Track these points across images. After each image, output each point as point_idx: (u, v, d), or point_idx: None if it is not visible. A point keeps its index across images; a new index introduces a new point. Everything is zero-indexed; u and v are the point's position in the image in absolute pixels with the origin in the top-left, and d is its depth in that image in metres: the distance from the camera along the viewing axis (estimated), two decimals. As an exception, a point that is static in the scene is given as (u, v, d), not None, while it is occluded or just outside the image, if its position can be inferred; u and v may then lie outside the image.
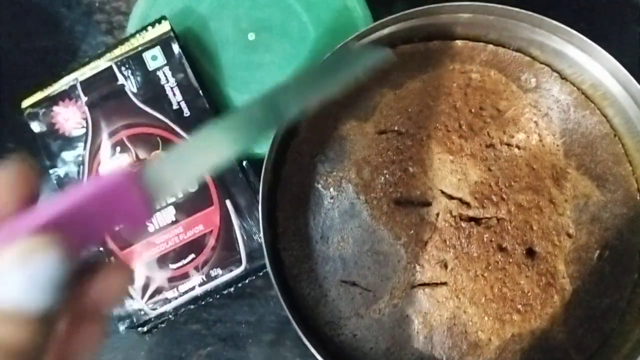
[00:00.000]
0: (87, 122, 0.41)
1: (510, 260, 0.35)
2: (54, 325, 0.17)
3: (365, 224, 0.36)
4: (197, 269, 0.40)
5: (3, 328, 0.15)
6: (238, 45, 0.44)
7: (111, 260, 0.38)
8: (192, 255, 0.40)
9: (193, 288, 0.40)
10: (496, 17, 0.38)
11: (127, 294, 0.25)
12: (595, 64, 0.38)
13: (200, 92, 0.42)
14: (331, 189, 0.37)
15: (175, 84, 0.41)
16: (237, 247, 0.40)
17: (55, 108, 0.41)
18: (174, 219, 0.40)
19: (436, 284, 0.35)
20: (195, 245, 0.40)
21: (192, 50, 0.43)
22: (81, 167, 0.41)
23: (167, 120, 0.41)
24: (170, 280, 0.40)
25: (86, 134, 0.41)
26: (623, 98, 0.37)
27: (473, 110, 0.38)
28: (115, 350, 0.40)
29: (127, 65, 0.41)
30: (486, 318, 0.35)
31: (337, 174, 0.37)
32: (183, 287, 0.40)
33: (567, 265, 0.36)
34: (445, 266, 0.35)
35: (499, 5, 0.37)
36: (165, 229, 0.40)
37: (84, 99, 0.41)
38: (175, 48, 0.41)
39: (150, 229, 0.40)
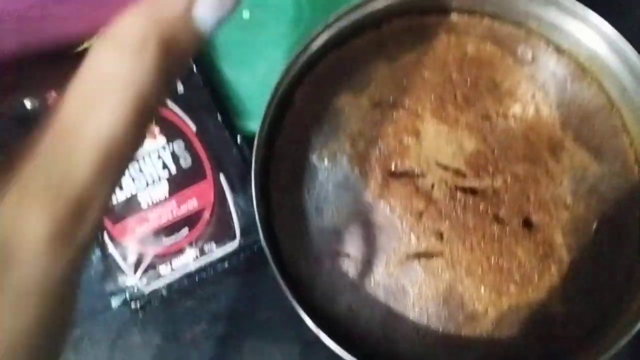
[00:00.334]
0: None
1: (507, 230, 0.35)
2: None
3: (359, 195, 0.35)
4: (191, 244, 0.39)
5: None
6: (233, 23, 0.44)
7: None
8: (186, 231, 0.39)
9: (187, 264, 0.39)
10: (491, -11, 0.38)
11: None
12: (592, 35, 0.37)
13: (195, 69, 0.41)
14: (325, 162, 0.36)
15: (169, 59, 0.41)
16: (232, 222, 0.40)
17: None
18: (167, 194, 0.39)
19: (432, 255, 0.35)
20: (188, 221, 0.40)
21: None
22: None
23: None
24: (164, 255, 0.39)
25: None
26: (620, 70, 0.37)
27: (469, 82, 0.37)
28: (108, 327, 0.40)
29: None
30: (482, 289, 0.34)
31: (331, 147, 0.37)
32: (177, 263, 0.39)
33: (565, 236, 0.35)
34: (441, 237, 0.35)
35: (494, -24, 0.37)
36: (158, 204, 0.39)
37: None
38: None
39: (143, 203, 0.39)
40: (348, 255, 0.35)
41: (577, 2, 0.36)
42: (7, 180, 0.13)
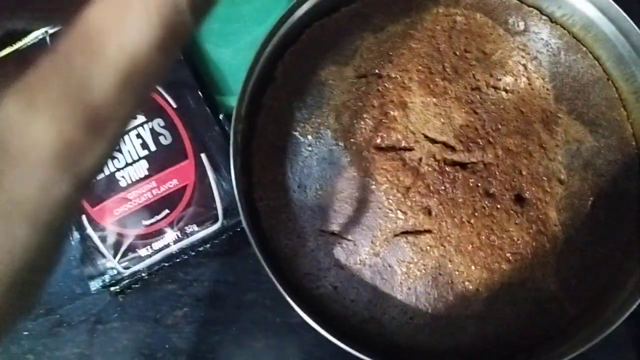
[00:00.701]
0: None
1: (498, 206, 0.33)
2: None
3: (344, 170, 0.34)
4: (171, 225, 0.38)
5: None
6: (215, -2, 0.42)
7: None
8: (166, 211, 0.38)
9: (167, 245, 0.38)
10: (481, -44, 0.36)
11: None
12: (586, 4, 0.36)
13: (176, 45, 0.40)
14: (309, 136, 0.35)
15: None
16: (214, 203, 0.38)
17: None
18: (147, 173, 0.38)
19: (420, 232, 0.33)
20: (169, 201, 0.38)
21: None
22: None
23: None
24: (144, 237, 0.38)
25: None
26: (615, 37, 0.36)
27: (457, 53, 0.36)
28: (87, 312, 0.39)
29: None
30: (473, 267, 0.33)
31: (315, 120, 0.35)
32: (157, 245, 0.38)
33: (559, 212, 0.34)
34: (429, 213, 0.33)
35: (484, -58, 0.35)
36: (137, 183, 0.38)
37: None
38: None
39: (122, 183, 0.38)
40: (332, 233, 0.34)
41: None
42: (21, 72, 0.12)
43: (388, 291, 0.33)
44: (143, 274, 0.38)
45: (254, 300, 0.39)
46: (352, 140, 0.34)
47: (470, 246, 0.33)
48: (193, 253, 0.38)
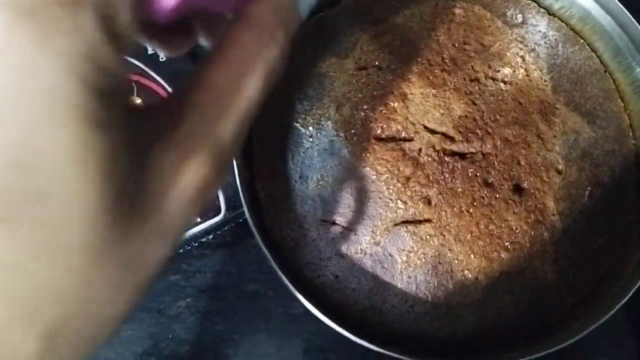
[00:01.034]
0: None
1: (497, 196, 0.34)
2: None
3: (345, 161, 0.34)
4: (174, 216, 0.38)
5: None
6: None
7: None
8: (169, 203, 0.38)
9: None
10: (480, -51, 0.37)
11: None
12: (583, -4, 0.36)
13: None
14: (310, 128, 0.35)
15: (150, 27, 0.40)
16: (216, 195, 0.39)
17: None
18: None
19: (420, 221, 0.34)
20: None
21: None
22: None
23: (142, 66, 0.40)
24: (147, 228, 0.38)
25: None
26: (613, 30, 0.36)
27: (456, 44, 0.36)
28: (91, 303, 0.39)
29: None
30: (472, 256, 0.33)
31: (316, 112, 0.35)
32: (160, 236, 0.38)
33: (557, 202, 0.34)
34: (429, 202, 0.34)
35: None
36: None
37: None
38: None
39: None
40: (334, 223, 0.34)
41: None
42: (166, 134, 0.15)
43: (389, 280, 0.34)
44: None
45: (256, 291, 0.39)
46: (352, 131, 0.35)
47: (470, 235, 0.33)
48: (196, 244, 0.39)
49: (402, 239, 0.33)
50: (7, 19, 0.11)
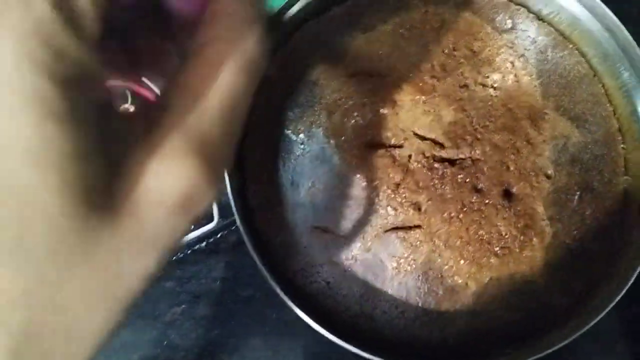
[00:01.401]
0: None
1: (486, 201, 0.34)
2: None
3: (336, 168, 0.35)
4: (168, 223, 0.39)
5: None
6: None
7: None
8: (163, 210, 0.39)
9: (164, 243, 0.39)
10: (468, -44, 0.37)
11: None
12: (572, 2, 0.37)
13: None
14: (301, 135, 0.36)
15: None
16: (209, 201, 0.39)
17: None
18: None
19: (410, 228, 0.34)
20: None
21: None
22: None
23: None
24: (141, 236, 0.39)
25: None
26: (601, 35, 0.36)
27: (446, 51, 0.36)
28: (87, 310, 0.39)
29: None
30: (462, 262, 0.34)
31: (307, 119, 0.36)
32: (154, 243, 0.39)
33: (546, 207, 0.35)
34: (419, 209, 0.34)
35: (471, -58, 0.36)
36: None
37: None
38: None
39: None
40: (325, 230, 0.35)
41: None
42: (148, 130, 0.14)
43: (379, 286, 0.34)
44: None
45: (251, 296, 0.40)
46: (343, 138, 0.35)
47: (459, 241, 0.34)
48: (189, 251, 0.39)
49: (393, 245, 0.34)
50: None
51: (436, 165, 0.34)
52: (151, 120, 0.14)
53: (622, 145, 0.37)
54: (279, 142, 0.36)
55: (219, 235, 0.39)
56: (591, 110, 0.37)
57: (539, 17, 0.38)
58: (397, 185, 0.34)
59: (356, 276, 0.34)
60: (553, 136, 0.36)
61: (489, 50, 0.37)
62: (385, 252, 0.34)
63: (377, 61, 0.36)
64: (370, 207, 0.34)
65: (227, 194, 0.38)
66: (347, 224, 0.34)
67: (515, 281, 0.34)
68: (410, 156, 0.34)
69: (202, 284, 0.40)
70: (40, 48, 0.11)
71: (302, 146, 0.35)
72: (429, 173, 0.34)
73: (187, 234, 0.15)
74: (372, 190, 0.34)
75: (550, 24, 0.38)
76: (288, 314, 0.39)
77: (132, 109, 0.40)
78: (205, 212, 0.38)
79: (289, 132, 0.36)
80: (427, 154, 0.34)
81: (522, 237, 0.34)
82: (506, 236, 0.34)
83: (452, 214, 0.34)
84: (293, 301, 0.32)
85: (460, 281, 0.34)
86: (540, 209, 0.35)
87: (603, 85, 0.37)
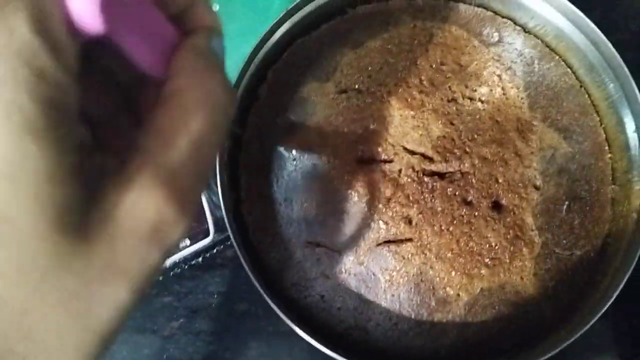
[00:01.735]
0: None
1: (476, 213, 0.35)
2: None
3: (328, 184, 0.35)
4: (164, 240, 0.39)
5: None
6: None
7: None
8: (159, 227, 0.39)
9: (161, 259, 0.39)
10: (454, -29, 0.37)
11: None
12: (557, 15, 0.37)
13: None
14: (293, 151, 0.36)
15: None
16: (204, 218, 0.40)
17: None
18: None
19: (401, 241, 0.35)
20: (161, 217, 0.39)
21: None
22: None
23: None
24: (138, 252, 0.39)
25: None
26: (586, 47, 0.37)
27: (434, 65, 0.37)
28: (87, 326, 0.40)
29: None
30: (453, 273, 0.34)
31: (298, 136, 0.36)
32: (151, 259, 0.39)
33: (535, 217, 0.35)
34: (410, 222, 0.35)
35: (456, -42, 0.37)
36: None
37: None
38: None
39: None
40: (318, 245, 0.35)
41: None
42: (120, 168, 0.15)
43: (373, 298, 0.35)
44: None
45: (247, 310, 0.40)
46: (334, 154, 0.35)
47: (450, 253, 0.34)
48: (186, 266, 0.40)
49: (385, 258, 0.34)
50: None
51: (426, 179, 0.35)
52: (129, 153, 0.15)
53: (609, 155, 0.37)
54: (271, 159, 0.36)
55: (215, 250, 0.40)
56: (578, 121, 0.37)
57: (526, 30, 0.39)
58: (388, 199, 0.35)
59: (350, 289, 0.35)
60: (541, 147, 0.36)
61: (476, 64, 0.37)
62: (378, 265, 0.35)
63: (366, 77, 0.37)
64: (362, 222, 0.35)
65: (221, 210, 0.39)
66: (340, 238, 0.35)
67: (505, 291, 0.35)
68: (400, 170, 0.35)
69: (199, 299, 0.41)
70: (22, 68, 0.12)
71: (294, 162, 0.36)
72: (419, 187, 0.35)
73: (160, 268, 0.15)
74: (364, 205, 0.35)
75: (536, 36, 0.39)
76: (282, 326, 0.40)
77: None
78: (201, 228, 0.39)
79: (281, 149, 0.36)
80: (417, 168, 0.35)
81: (512, 248, 0.35)
82: (496, 247, 0.35)
83: (443, 227, 0.34)
84: (288, 315, 0.32)
85: (451, 292, 0.34)
86: (529, 219, 0.35)
87: (589, 96, 0.38)
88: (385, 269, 0.34)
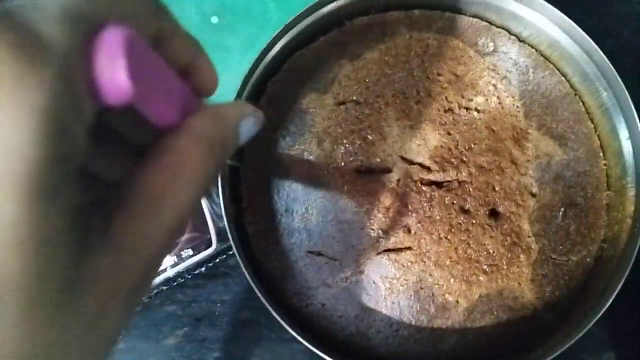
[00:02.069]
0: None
1: (474, 221, 0.35)
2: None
3: (328, 194, 0.36)
4: (168, 250, 0.40)
5: None
6: (202, 29, 0.44)
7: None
8: (163, 238, 0.40)
9: (165, 270, 0.40)
10: (450, -17, 0.38)
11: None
12: (551, 25, 0.38)
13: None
14: (294, 162, 0.37)
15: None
16: (207, 228, 0.40)
17: None
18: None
19: (401, 249, 0.35)
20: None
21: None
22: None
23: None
24: (143, 263, 0.40)
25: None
26: (580, 56, 0.38)
27: (431, 76, 0.38)
28: (93, 336, 0.41)
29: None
30: (452, 280, 0.35)
31: (298, 147, 0.37)
32: (156, 270, 0.40)
33: (532, 224, 0.36)
34: (409, 231, 0.35)
35: (451, -29, 0.37)
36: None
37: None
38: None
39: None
40: (319, 254, 0.36)
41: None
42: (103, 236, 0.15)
43: (373, 306, 0.35)
44: (144, 297, 0.40)
45: (250, 318, 0.41)
46: (334, 165, 0.36)
47: (449, 261, 0.35)
48: (190, 276, 0.41)
49: (385, 267, 0.35)
50: None
51: (424, 188, 0.35)
52: (108, 214, 0.15)
53: (603, 162, 0.38)
54: (272, 170, 0.37)
55: (218, 260, 0.41)
56: (573, 129, 0.38)
57: (520, 39, 0.39)
58: (388, 209, 0.35)
59: (351, 298, 0.35)
60: (537, 155, 0.37)
61: (472, 74, 0.38)
62: (378, 273, 0.35)
63: (364, 89, 0.37)
64: (362, 231, 0.35)
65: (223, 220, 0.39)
66: (340, 248, 0.36)
67: (504, 297, 0.35)
68: (399, 181, 0.36)
69: (203, 307, 0.41)
70: (50, 125, 0.12)
71: (294, 174, 0.37)
72: (418, 196, 0.35)
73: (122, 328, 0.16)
74: (364, 214, 0.35)
75: (531, 45, 0.39)
76: (285, 334, 0.41)
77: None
78: (204, 238, 0.40)
79: (282, 160, 0.37)
80: (416, 178, 0.36)
81: (509, 255, 0.35)
82: (494, 254, 0.35)
83: (442, 235, 0.35)
84: (290, 324, 0.33)
85: (451, 299, 0.35)
86: (526, 226, 0.36)
87: (584, 104, 0.39)
88: (385, 277, 0.35)
